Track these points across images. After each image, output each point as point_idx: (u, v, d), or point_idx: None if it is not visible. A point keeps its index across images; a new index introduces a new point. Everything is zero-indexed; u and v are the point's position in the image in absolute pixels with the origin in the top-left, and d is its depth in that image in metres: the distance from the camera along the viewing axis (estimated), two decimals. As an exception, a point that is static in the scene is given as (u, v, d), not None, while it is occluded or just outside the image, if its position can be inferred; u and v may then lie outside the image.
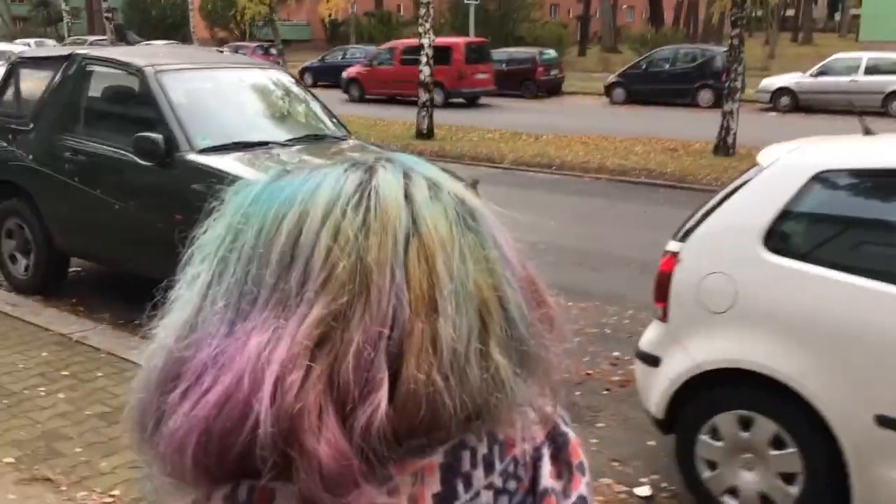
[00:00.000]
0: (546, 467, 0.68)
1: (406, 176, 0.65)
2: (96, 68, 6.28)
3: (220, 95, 6.29)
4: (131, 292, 6.97)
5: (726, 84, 14.49)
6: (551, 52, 27.37)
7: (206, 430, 0.59)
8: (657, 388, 3.60)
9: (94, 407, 4.57)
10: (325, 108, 6.81)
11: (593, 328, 6.04)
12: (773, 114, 21.46)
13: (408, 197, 0.63)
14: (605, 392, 5.02)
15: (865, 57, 21.10)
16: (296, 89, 6.80)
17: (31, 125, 6.46)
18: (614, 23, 49.27)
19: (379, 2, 47.82)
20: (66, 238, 6.39)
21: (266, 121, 6.37)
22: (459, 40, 24.52)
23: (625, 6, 58.15)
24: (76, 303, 6.52)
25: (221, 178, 5.16)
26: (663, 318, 3.63)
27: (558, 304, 0.71)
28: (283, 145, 6.00)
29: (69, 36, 28.57)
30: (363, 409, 0.58)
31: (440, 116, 17.65)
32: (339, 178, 0.64)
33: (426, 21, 15.57)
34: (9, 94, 6.77)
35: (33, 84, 6.57)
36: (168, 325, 0.65)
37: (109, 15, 21.38)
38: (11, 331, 5.79)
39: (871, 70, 20.71)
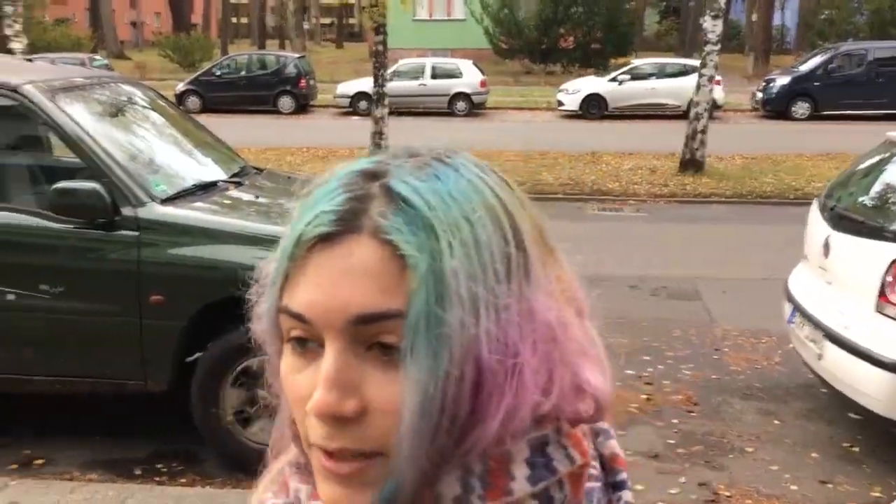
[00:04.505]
0: None
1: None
2: None
3: (133, 123, 4.50)
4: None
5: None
6: (100, 59, 24.61)
7: None
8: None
9: None
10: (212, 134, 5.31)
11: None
12: (356, 118, 22.21)
13: None
14: None
15: (429, 63, 23.04)
16: (176, 112, 5.15)
17: None
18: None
19: None
20: None
21: (192, 152, 4.73)
22: None
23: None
24: None
25: (229, 238, 3.77)
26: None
27: None
28: (234, 183, 4.56)
29: None
30: None
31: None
32: None
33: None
34: None
35: None
36: None
37: None
38: None
39: (435, 74, 22.71)
